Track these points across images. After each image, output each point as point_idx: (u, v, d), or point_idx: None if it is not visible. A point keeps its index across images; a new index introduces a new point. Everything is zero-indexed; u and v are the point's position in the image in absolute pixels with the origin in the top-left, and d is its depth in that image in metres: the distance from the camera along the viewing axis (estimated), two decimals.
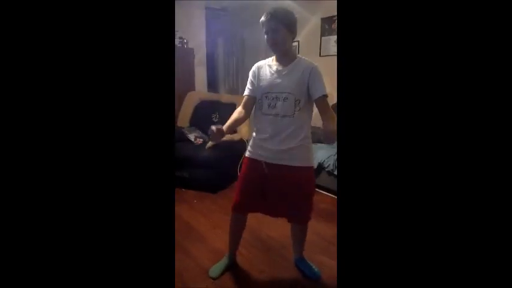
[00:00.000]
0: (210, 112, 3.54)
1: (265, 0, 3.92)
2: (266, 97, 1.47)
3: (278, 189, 1.51)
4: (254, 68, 1.55)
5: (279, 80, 1.44)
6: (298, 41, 4.00)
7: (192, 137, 3.29)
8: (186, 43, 3.87)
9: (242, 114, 1.54)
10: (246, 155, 1.59)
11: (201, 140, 3.26)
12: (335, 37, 3.52)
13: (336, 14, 3.47)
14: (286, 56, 1.47)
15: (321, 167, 2.88)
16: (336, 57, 3.52)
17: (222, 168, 2.99)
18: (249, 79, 1.56)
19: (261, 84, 1.49)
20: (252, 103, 1.55)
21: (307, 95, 1.42)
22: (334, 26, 3.53)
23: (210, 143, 3.04)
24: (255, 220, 1.67)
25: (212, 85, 4.78)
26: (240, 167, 1.64)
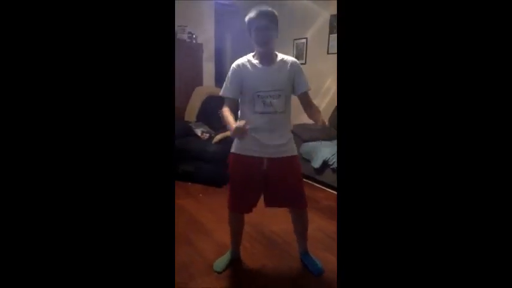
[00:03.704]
0: (217, 107, 3.54)
1: None
2: (259, 96, 1.47)
3: (281, 180, 1.56)
4: (236, 67, 1.51)
5: (270, 78, 1.47)
6: (307, 38, 3.99)
7: (198, 131, 3.32)
8: (195, 38, 3.89)
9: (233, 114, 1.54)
10: (238, 152, 1.56)
11: (208, 134, 3.29)
12: None
13: None
14: (271, 54, 1.50)
15: (325, 164, 2.90)
16: None
17: (225, 162, 3.01)
18: (229, 78, 1.51)
19: (250, 83, 1.48)
20: (235, 104, 1.54)
21: (291, 90, 1.53)
22: None
23: (216, 138, 3.07)
24: (258, 215, 1.70)
25: (220, 80, 4.78)
26: (227, 164, 1.63)
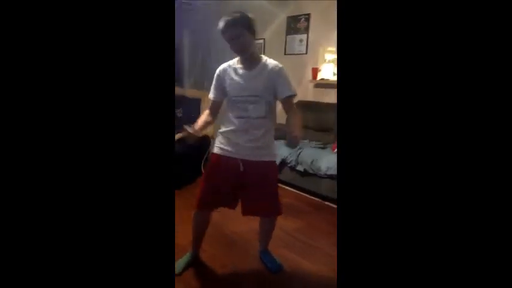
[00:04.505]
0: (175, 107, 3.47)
1: None
2: (235, 101, 1.48)
3: (256, 185, 1.55)
4: (218, 72, 1.53)
5: (247, 84, 1.46)
6: (264, 39, 4.04)
7: None
8: None
9: (210, 118, 1.58)
10: (216, 152, 1.57)
11: None
12: (300, 36, 3.61)
13: (301, 13, 3.55)
14: (251, 58, 1.48)
15: (284, 162, 2.95)
16: (299, 56, 3.61)
17: (186, 163, 2.96)
18: (213, 83, 1.55)
19: (228, 88, 1.49)
20: (218, 106, 1.58)
21: (274, 95, 1.48)
22: (300, 24, 3.61)
23: (175, 137, 3.00)
24: (219, 215, 1.69)
25: (177, 80, 4.68)
26: (205, 163, 1.64)
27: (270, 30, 3.95)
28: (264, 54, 4.31)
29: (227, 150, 1.54)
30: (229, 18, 1.37)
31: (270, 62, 1.49)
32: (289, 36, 3.73)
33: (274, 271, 1.73)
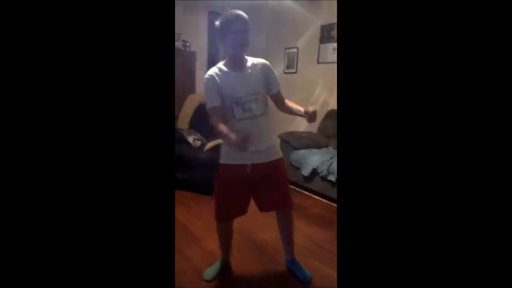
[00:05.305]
0: (209, 115, 3.59)
1: (266, 0, 3.99)
2: (237, 103, 1.47)
3: (269, 184, 1.59)
4: (211, 78, 1.47)
5: (246, 83, 1.48)
6: (297, 48, 4.06)
7: (190, 139, 3.35)
8: (189, 46, 3.93)
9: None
10: (225, 162, 1.57)
11: (199, 142, 3.32)
12: (333, 44, 3.58)
13: (335, 21, 3.54)
14: (243, 58, 1.51)
15: (314, 172, 2.95)
16: (332, 65, 3.58)
17: (216, 170, 3.03)
18: (208, 88, 1.47)
19: (227, 91, 1.46)
20: (222, 112, 1.50)
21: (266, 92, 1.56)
22: (333, 33, 3.59)
23: (208, 146, 3.10)
24: (248, 222, 1.73)
25: None
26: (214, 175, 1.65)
27: (304, 39, 3.97)
28: (297, 62, 4.31)
29: (236, 158, 1.53)
30: (236, 11, 1.41)
31: (257, 59, 1.55)
32: (322, 45, 3.72)
33: (304, 281, 1.73)
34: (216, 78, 1.47)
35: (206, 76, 1.49)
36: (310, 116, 1.46)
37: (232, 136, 1.33)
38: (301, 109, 1.53)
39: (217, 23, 1.45)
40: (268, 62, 1.57)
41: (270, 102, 1.62)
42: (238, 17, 1.41)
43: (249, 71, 1.50)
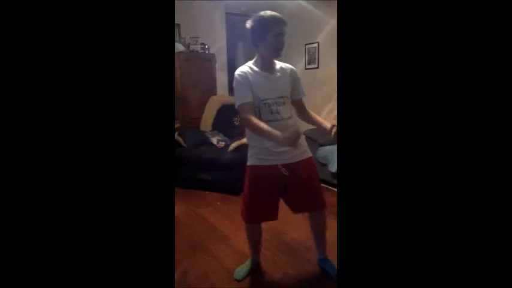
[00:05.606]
0: (232, 116, 3.59)
1: (283, 0, 3.96)
2: (265, 104, 1.45)
3: (301, 185, 1.56)
4: (243, 74, 1.44)
5: (276, 85, 1.48)
6: (318, 43, 3.99)
7: (214, 140, 3.36)
8: (208, 49, 3.96)
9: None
10: (255, 164, 1.54)
11: (223, 143, 3.32)
12: None
13: None
14: (273, 61, 1.51)
15: None
16: None
17: (244, 170, 3.02)
18: (241, 85, 1.44)
19: (257, 91, 1.44)
20: (254, 108, 1.46)
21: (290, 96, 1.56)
22: None
23: (232, 146, 3.09)
24: (277, 222, 1.69)
25: (233, 89, 4.84)
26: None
27: (324, 34, 3.90)
28: (318, 58, 4.25)
29: (267, 160, 1.51)
30: (276, 14, 1.40)
31: (284, 64, 1.56)
32: None
33: (335, 278, 1.67)
34: (246, 76, 1.45)
35: (238, 73, 1.46)
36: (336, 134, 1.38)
37: (276, 132, 1.29)
38: (326, 123, 1.51)
39: (252, 23, 1.42)
40: (295, 68, 1.59)
41: None
42: (279, 19, 1.40)
43: (278, 74, 1.50)
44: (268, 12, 1.41)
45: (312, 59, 4.09)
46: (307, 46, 4.14)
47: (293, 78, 1.55)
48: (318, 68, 4.04)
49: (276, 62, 1.53)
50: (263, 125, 1.36)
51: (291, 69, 1.56)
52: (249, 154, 1.59)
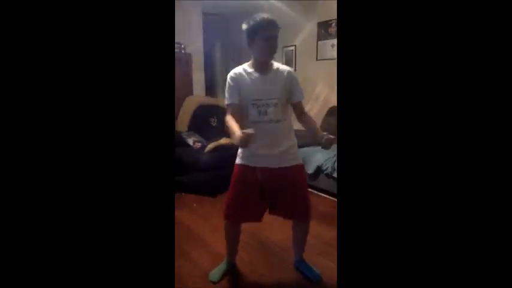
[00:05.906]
0: (209, 116, 3.56)
1: (260, 0, 3.97)
2: (254, 105, 1.46)
3: (281, 191, 1.54)
4: (233, 75, 1.49)
5: (266, 87, 1.47)
6: (295, 46, 4.03)
7: (190, 141, 3.30)
8: (184, 48, 3.90)
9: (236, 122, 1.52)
10: (239, 162, 1.57)
11: (200, 144, 3.27)
12: (331, 41, 3.56)
13: (332, 18, 3.51)
14: (269, 63, 1.50)
15: (319, 169, 2.90)
16: (332, 61, 3.55)
17: (221, 171, 2.99)
18: (229, 86, 1.48)
19: (246, 92, 1.46)
20: (238, 110, 1.49)
21: (287, 99, 1.52)
22: (331, 30, 3.57)
23: (209, 147, 3.06)
24: (255, 223, 1.68)
25: (210, 89, 4.79)
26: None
27: (301, 37, 3.94)
28: (295, 60, 4.30)
29: (250, 160, 1.52)
30: (268, 17, 1.40)
31: (282, 66, 1.54)
32: (320, 42, 3.70)
33: (313, 280, 1.69)
34: (239, 77, 1.48)
35: (230, 74, 1.51)
36: (328, 142, 1.37)
37: (237, 132, 1.30)
38: (321, 132, 1.43)
39: (246, 25, 1.43)
40: (293, 70, 1.57)
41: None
42: (270, 22, 1.41)
43: (273, 75, 1.49)
44: (261, 15, 1.41)
45: (289, 61, 4.12)
46: (284, 48, 4.18)
47: (290, 81, 1.50)
48: (295, 70, 4.07)
49: (274, 63, 1.52)
50: (232, 124, 1.40)
51: (288, 71, 1.51)
52: (237, 152, 1.59)
